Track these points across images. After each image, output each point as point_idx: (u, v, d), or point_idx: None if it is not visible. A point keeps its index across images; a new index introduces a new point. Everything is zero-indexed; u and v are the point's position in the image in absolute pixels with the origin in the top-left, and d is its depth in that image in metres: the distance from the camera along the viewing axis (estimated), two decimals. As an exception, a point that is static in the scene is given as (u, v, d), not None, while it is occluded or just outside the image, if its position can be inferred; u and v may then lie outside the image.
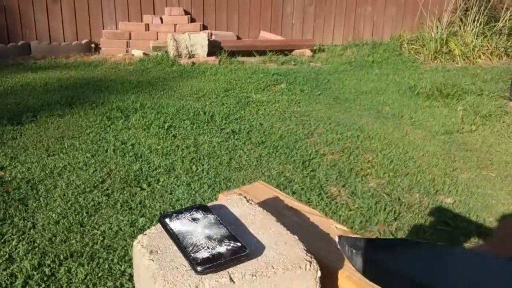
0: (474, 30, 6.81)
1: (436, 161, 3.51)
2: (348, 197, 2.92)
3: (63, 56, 6.06)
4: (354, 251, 0.64)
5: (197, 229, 0.66)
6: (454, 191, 3.10)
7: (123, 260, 2.18)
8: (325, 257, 0.71)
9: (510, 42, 6.85)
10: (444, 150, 3.74)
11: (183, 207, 0.69)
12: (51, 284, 1.98)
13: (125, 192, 2.80)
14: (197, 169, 3.13)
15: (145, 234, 0.68)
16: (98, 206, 2.63)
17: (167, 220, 0.68)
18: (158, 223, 0.69)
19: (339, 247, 0.66)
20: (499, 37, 6.87)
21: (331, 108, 4.57)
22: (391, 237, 2.53)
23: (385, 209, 2.79)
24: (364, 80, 5.70)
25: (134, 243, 0.67)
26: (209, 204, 0.73)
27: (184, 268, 0.60)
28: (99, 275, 2.06)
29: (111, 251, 2.24)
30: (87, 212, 2.55)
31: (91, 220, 2.49)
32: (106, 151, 3.32)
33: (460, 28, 6.99)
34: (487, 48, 6.80)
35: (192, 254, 0.60)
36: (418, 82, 5.59)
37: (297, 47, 6.74)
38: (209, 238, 0.64)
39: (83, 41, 6.32)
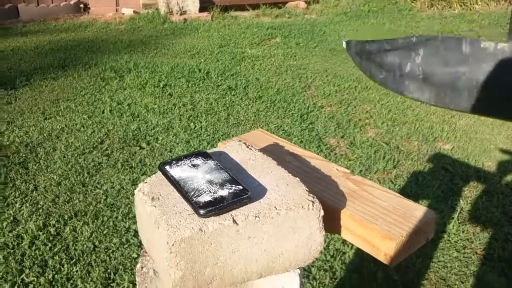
0: (472, -26, 6.63)
1: (434, 108, 3.50)
2: (347, 147, 2.93)
3: (52, 18, 5.91)
4: (363, 56, 0.64)
5: (198, 175, 0.65)
6: (453, 137, 3.11)
7: (127, 217, 2.21)
8: (327, 197, 0.72)
9: (508, -16, 6.69)
10: (442, 97, 3.72)
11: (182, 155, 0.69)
12: (57, 243, 2.01)
13: (124, 151, 2.80)
14: (195, 126, 3.12)
15: (146, 182, 0.68)
16: (99, 166, 2.63)
17: (167, 167, 0.67)
18: (158, 171, 0.68)
19: (347, 52, 0.66)
20: (497, -20, 6.71)
21: (328, 60, 4.52)
22: (390, 184, 2.56)
23: (384, 157, 2.81)
24: (360, 30, 5.60)
25: (136, 191, 0.67)
26: (208, 151, 0.73)
27: (186, 212, 0.60)
28: (104, 232, 2.09)
29: (115, 209, 2.26)
30: (88, 173, 2.56)
31: (92, 180, 2.50)
32: (103, 112, 3.30)
33: (458, -27, 6.81)
34: (485, -8, 6.65)
35: (194, 198, 0.60)
36: (415, 30, 5.50)
37: (291, -1, 6.59)
38: (211, 182, 0.64)
39: (72, 2, 6.16)
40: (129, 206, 2.29)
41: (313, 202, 0.62)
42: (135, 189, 2.32)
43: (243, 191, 0.61)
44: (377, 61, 0.82)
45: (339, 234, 0.71)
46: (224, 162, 0.70)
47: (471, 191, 2.52)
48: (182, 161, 0.68)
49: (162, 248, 0.59)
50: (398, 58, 0.86)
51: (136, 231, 2.13)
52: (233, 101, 3.51)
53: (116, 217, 2.20)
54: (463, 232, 2.20)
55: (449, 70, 0.84)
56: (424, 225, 0.67)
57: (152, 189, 0.66)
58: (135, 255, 1.97)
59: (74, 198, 2.34)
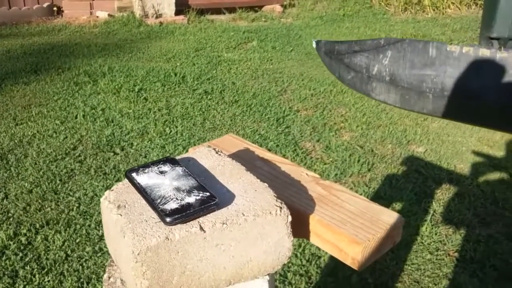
0: (443, -20, 6.78)
1: (407, 112, 3.56)
2: (322, 151, 2.95)
3: (24, 21, 5.80)
4: (333, 56, 0.65)
5: (165, 182, 0.65)
6: (426, 140, 3.16)
7: (100, 225, 2.17)
8: (297, 202, 0.72)
9: (478, -10, 6.86)
10: (415, 100, 3.78)
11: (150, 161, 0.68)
12: (29, 253, 1.96)
13: (98, 157, 2.75)
14: (170, 131, 3.10)
15: (112, 190, 0.66)
16: (72, 173, 2.59)
17: (133, 174, 0.66)
18: (125, 178, 0.67)
19: (317, 52, 0.67)
20: (468, -14, 6.87)
21: (304, 64, 4.55)
22: (365, 187, 2.58)
23: (359, 161, 2.84)
24: (335, 34, 5.66)
25: (102, 199, 0.66)
26: (177, 157, 0.72)
27: (153, 220, 0.59)
28: (77, 241, 2.06)
29: (88, 217, 2.22)
30: (60, 180, 2.51)
31: (65, 187, 2.45)
32: (76, 117, 3.25)
33: (430, -22, 6.95)
34: (456, -3, 6.80)
35: (161, 206, 0.60)
36: (389, 34, 5.58)
37: (267, 3, 6.61)
38: (178, 189, 0.63)
39: (45, 5, 6.05)
40: (103, 212, 2.26)
41: (280, 207, 0.62)
42: (108, 195, 2.26)
43: (210, 198, 0.61)
44: (345, 61, 0.83)
45: (308, 239, 0.71)
46: (192, 168, 0.70)
47: (443, 193, 2.56)
48: (150, 168, 0.67)
49: (128, 257, 0.58)
50: (366, 59, 0.87)
51: (110, 238, 2.09)
52: (209, 106, 3.49)
53: (89, 225, 2.17)
54: (436, 234, 2.23)
55: (415, 72, 0.86)
56: (391, 229, 0.68)
57: (118, 197, 0.65)
58: (108, 263, 1.94)
59: (46, 206, 2.29)
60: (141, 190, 0.63)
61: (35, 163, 2.66)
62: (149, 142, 2.95)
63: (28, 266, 1.89)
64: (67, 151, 2.80)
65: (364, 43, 0.93)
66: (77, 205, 2.31)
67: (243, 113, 3.40)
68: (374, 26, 5.98)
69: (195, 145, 2.96)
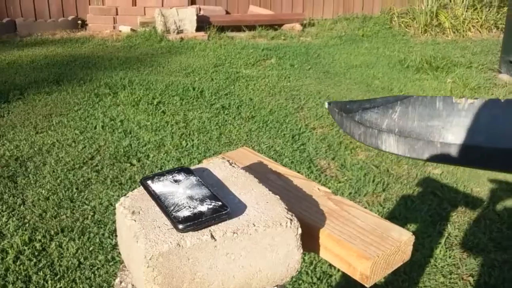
0: (464, 3, 6.78)
1: (424, 133, 3.54)
2: (337, 169, 2.95)
3: (49, 33, 5.96)
4: (344, 114, 0.67)
5: (179, 190, 0.66)
6: (442, 162, 3.13)
7: (114, 234, 2.19)
8: (308, 216, 0.73)
9: (499, 14, 6.83)
10: (433, 122, 3.76)
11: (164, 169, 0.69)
12: (42, 259, 1.99)
13: (114, 168, 2.79)
14: (187, 144, 3.13)
15: (127, 196, 0.68)
16: (88, 182, 2.63)
17: (148, 182, 0.68)
18: (140, 186, 0.69)
19: (329, 112, 0.69)
20: (489, 10, 6.85)
21: (321, 83, 4.57)
22: (379, 207, 2.56)
23: (373, 180, 2.82)
24: (354, 54, 5.68)
25: (117, 205, 0.67)
26: (191, 167, 0.74)
27: (166, 227, 0.61)
28: (90, 249, 2.08)
29: (102, 226, 2.25)
30: (77, 188, 2.55)
31: (81, 195, 2.49)
32: (95, 127, 3.31)
33: (450, 1, 6.95)
34: (477, 20, 6.78)
35: (174, 213, 0.61)
36: (408, 55, 5.58)
37: (287, 22, 6.68)
38: (191, 198, 0.64)
39: (69, 18, 6.22)
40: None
41: (291, 220, 0.63)
42: (123, 205, 2.28)
43: (222, 207, 0.62)
44: (356, 118, 0.88)
45: (318, 253, 0.71)
46: (206, 178, 0.71)
47: (459, 216, 2.53)
48: (164, 176, 0.69)
49: (140, 262, 0.60)
50: (376, 115, 0.92)
51: (122, 248, 2.11)
52: (225, 120, 3.53)
53: (103, 234, 2.19)
54: (449, 257, 2.20)
55: (423, 124, 0.91)
56: (401, 246, 0.68)
57: (133, 203, 0.66)
58: (120, 272, 1.95)
59: (62, 214, 2.32)
60: (155, 197, 0.65)
61: (53, 171, 2.70)
62: (165, 154, 2.98)
63: (41, 272, 1.91)
64: (84, 161, 2.84)
65: (374, 101, 0.97)
66: (92, 213, 2.34)
67: (259, 129, 3.42)
68: (393, 47, 5.99)
69: (210, 159, 2.98)
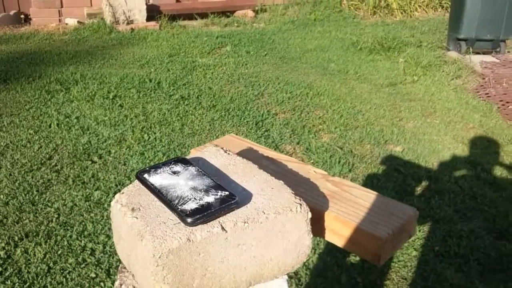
0: (410, -16, 6.95)
1: (383, 112, 3.61)
2: (303, 153, 2.96)
3: (-12, 29, 5.61)
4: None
5: (180, 182, 0.62)
6: (402, 139, 3.21)
7: (82, 235, 2.11)
8: (310, 200, 0.71)
9: (443, -6, 7.06)
10: (389, 101, 3.84)
11: (160, 162, 0.66)
12: (9, 267, 1.88)
13: (75, 166, 2.68)
14: (149, 137, 3.05)
15: (123, 193, 0.64)
16: (49, 183, 2.51)
17: (145, 175, 0.64)
18: (136, 180, 0.65)
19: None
20: (433, -10, 7.06)
21: (279, 68, 4.56)
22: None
23: (339, 162, 2.86)
24: (308, 38, 5.71)
25: (112, 202, 0.63)
26: (187, 157, 0.70)
27: (172, 222, 0.57)
28: (59, 252, 1.99)
29: (68, 228, 2.16)
30: (37, 190, 2.43)
31: (42, 198, 2.37)
32: (50, 126, 3.15)
33: (397, -18, 7.10)
34: (423, 0, 6.97)
35: (180, 207, 0.57)
36: (360, 37, 5.67)
37: (239, 8, 6.61)
38: (195, 189, 0.61)
39: (11, 13, 5.88)
40: (83, 223, 2.19)
41: (300, 204, 0.61)
42: (89, 205, 2.22)
43: (230, 197, 0.59)
44: None
45: (323, 237, 0.70)
46: (204, 168, 0.68)
47: (424, 191, 2.61)
48: (161, 169, 0.65)
49: (147, 262, 0.56)
50: None
51: (92, 250, 2.03)
52: (186, 111, 3.46)
53: (71, 236, 2.10)
54: (419, 231, 2.26)
55: None
56: (407, 223, 0.67)
57: (131, 200, 0.62)
58: (93, 275, 1.88)
59: (24, 218, 2.20)
60: (156, 191, 0.61)
61: (10, 174, 2.56)
62: (128, 149, 2.89)
63: (9, 280, 1.81)
64: (42, 161, 2.71)
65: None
66: (56, 216, 2.24)
67: (221, 118, 3.37)
68: (345, 30, 6.07)
69: (175, 151, 2.92)
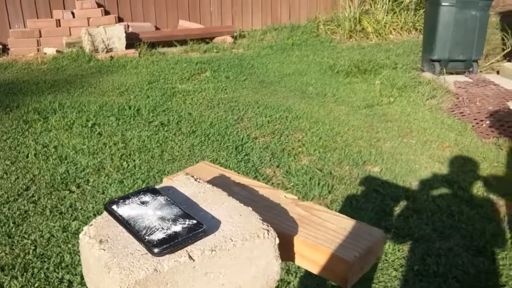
0: (384, 7, 7.14)
1: (361, 133, 3.67)
2: (283, 176, 2.97)
3: (-35, 60, 5.56)
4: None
5: (148, 212, 0.63)
6: (380, 160, 3.25)
7: (59, 267, 2.07)
8: (279, 225, 0.72)
9: (417, 16, 7.26)
10: (367, 123, 3.91)
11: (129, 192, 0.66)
12: (-18, 302, 1.84)
13: (53, 197, 2.65)
14: (128, 165, 3.03)
15: (91, 225, 0.64)
16: (25, 214, 2.47)
17: (113, 207, 0.64)
18: (105, 212, 0.65)
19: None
20: (407, 13, 7.27)
21: (258, 92, 4.61)
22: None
23: (319, 183, 2.88)
24: (286, 62, 5.79)
25: (81, 235, 0.63)
26: (157, 187, 0.71)
27: (139, 252, 0.58)
28: (36, 285, 1.95)
29: (46, 259, 2.12)
30: (14, 222, 2.38)
31: (19, 230, 2.33)
32: (27, 156, 3.12)
33: (371, 6, 7.30)
34: (397, 23, 7.17)
35: (147, 237, 0.58)
36: (337, 60, 5.78)
37: (217, 34, 6.70)
38: (163, 219, 0.62)
39: (-13, 43, 5.85)
40: (61, 255, 2.16)
41: (268, 230, 0.62)
42: (66, 236, 2.19)
43: (197, 225, 0.60)
44: None
45: (293, 261, 0.71)
46: (174, 197, 0.69)
47: (402, 211, 2.64)
48: (130, 199, 0.66)
49: (115, 293, 0.56)
50: None
51: (70, 281, 2.00)
52: (166, 137, 3.46)
53: (48, 268, 2.06)
54: (399, 251, 2.28)
55: None
56: (374, 245, 0.69)
57: (99, 231, 0.62)
58: (71, 306, 1.84)
59: (0, 251, 2.16)
60: (124, 222, 0.61)
61: (-15, 207, 2.51)
62: (106, 177, 2.87)
63: (-17, 317, 1.76)
64: (19, 192, 2.67)
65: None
66: (33, 247, 2.19)
67: (201, 143, 3.38)
68: (322, 54, 6.18)
69: (154, 178, 2.91)
